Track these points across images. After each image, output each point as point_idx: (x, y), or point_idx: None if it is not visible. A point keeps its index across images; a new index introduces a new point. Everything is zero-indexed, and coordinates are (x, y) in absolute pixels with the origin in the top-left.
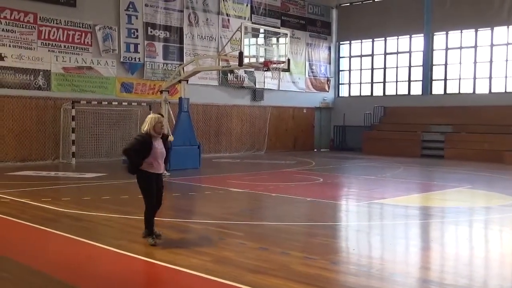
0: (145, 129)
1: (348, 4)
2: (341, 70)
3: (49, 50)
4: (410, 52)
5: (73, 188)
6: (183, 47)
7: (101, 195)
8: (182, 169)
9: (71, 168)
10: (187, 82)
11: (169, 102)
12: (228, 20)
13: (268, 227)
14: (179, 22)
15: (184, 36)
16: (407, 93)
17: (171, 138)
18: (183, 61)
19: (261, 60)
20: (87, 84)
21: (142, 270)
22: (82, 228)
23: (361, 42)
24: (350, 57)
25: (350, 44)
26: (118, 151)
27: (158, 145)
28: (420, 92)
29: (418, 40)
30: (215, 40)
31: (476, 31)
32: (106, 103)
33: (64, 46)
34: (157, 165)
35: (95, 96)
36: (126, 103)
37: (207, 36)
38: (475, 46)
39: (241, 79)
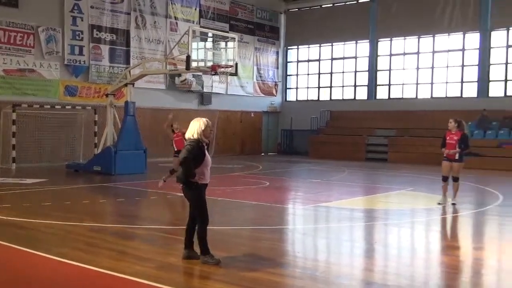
0: (194, 136)
1: (296, 9)
2: (289, 75)
3: None
4: (356, 57)
5: (13, 194)
6: (130, 50)
7: (42, 201)
8: (127, 174)
9: (11, 174)
10: (134, 86)
11: (114, 106)
12: (176, 23)
13: (215, 232)
14: (126, 24)
15: (131, 39)
16: (352, 97)
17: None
18: (129, 64)
19: (209, 64)
20: (29, 87)
21: (84, 279)
22: (22, 236)
23: (309, 47)
24: (298, 62)
25: (297, 49)
26: (61, 156)
27: (207, 152)
28: (365, 97)
29: (364, 46)
30: (162, 43)
31: (418, 38)
32: (49, 106)
33: (5, 48)
34: (208, 174)
35: (37, 99)
36: (70, 107)
37: (155, 39)
38: (418, 53)
39: (189, 83)
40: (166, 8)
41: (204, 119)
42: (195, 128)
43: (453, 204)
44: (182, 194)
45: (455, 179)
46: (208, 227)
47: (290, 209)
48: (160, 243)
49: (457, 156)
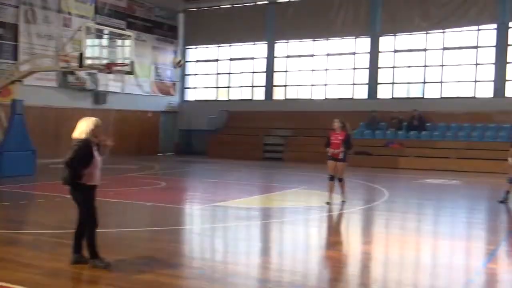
0: (82, 136)
1: (195, 9)
2: (187, 74)
3: None
4: (253, 58)
5: None
6: (18, 45)
7: None
8: (14, 176)
9: None
10: (22, 83)
11: (0, 105)
12: (70, 19)
13: (108, 235)
14: (15, 18)
15: (20, 34)
16: (250, 98)
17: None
18: (18, 60)
19: (104, 62)
20: None
21: None
22: None
23: (207, 48)
24: (197, 61)
25: (196, 49)
26: None
27: (96, 152)
28: (263, 97)
29: (262, 48)
30: (55, 39)
31: (314, 41)
32: None
33: None
34: (97, 175)
35: None
36: None
37: (46, 35)
38: (313, 55)
39: (83, 81)
40: (58, 3)
41: (94, 119)
42: (83, 128)
43: (343, 201)
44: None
45: (340, 179)
46: (101, 230)
47: (186, 210)
48: (47, 248)
49: (341, 156)
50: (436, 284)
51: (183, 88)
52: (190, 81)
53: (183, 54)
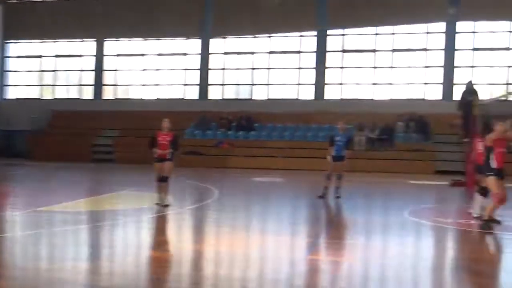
0: None
1: (16, 1)
2: (7, 71)
3: None
4: (81, 56)
5: None
6: None
7: None
8: None
9: None
10: None
11: None
12: None
13: None
14: None
15: None
16: (78, 97)
17: None
18: None
19: None
20: None
21: None
22: None
23: (30, 42)
24: (18, 57)
25: (17, 43)
26: None
27: None
28: (91, 96)
29: (91, 45)
30: None
31: (144, 40)
32: None
33: None
34: None
35: None
36: None
37: None
38: (143, 55)
39: None
40: None
41: None
42: None
43: (166, 205)
44: None
45: (165, 179)
46: None
47: (5, 216)
48: None
49: (169, 156)
50: (263, 276)
51: (3, 86)
52: (10, 78)
53: (2, 49)
